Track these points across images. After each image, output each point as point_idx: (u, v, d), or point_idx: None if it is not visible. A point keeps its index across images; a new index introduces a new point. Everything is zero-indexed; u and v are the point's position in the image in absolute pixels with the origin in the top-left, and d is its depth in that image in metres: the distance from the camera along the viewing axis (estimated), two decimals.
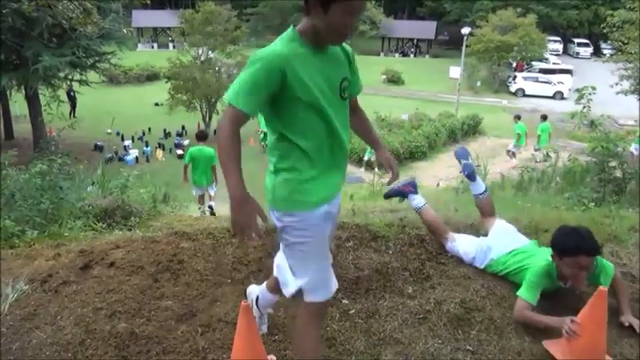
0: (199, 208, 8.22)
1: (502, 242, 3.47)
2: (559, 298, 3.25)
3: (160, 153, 20.95)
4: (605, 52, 34.68)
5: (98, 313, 3.04)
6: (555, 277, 3.07)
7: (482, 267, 3.50)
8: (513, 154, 16.59)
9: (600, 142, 6.15)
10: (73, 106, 24.48)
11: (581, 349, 2.66)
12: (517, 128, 16.74)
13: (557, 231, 3.07)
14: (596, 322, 2.65)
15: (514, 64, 38.05)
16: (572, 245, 2.89)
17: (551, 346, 2.81)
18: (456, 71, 30.15)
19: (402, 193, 3.88)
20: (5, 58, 17.78)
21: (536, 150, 16.15)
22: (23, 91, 19.33)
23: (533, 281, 3.01)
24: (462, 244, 3.65)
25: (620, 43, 20.82)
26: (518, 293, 3.05)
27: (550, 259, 3.05)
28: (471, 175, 3.84)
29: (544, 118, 16.61)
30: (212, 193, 9.20)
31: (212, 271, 3.52)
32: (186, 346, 2.77)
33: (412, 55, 49.70)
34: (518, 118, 17.07)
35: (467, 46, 30.27)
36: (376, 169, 14.33)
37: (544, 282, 3.04)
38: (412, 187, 3.87)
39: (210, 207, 8.36)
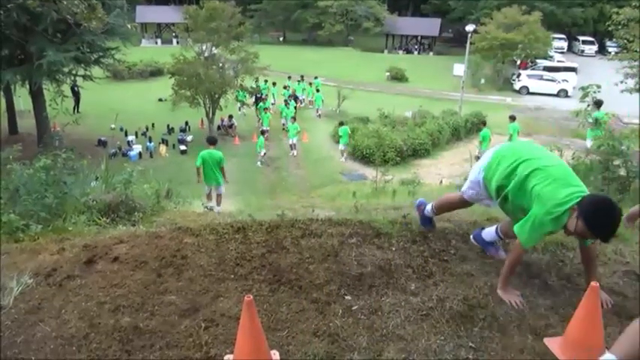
0: (203, 204, 8.31)
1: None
2: (557, 294, 3.26)
3: (163, 149, 20.99)
4: (610, 49, 34.58)
5: (102, 308, 3.06)
6: (563, 223, 2.94)
7: (481, 179, 3.40)
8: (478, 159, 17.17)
9: (605, 141, 6.14)
10: (77, 101, 24.51)
11: (580, 346, 2.67)
12: (481, 135, 17.74)
13: (595, 202, 2.85)
14: (592, 318, 2.67)
15: (518, 62, 37.93)
16: (603, 230, 2.81)
17: (551, 343, 2.82)
18: (459, 69, 30.10)
19: (424, 218, 3.99)
20: (10, 53, 17.86)
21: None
22: (27, 86, 19.39)
23: (536, 227, 2.95)
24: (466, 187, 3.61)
25: (625, 41, 20.72)
26: (520, 236, 3.03)
27: (567, 199, 2.88)
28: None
29: (512, 118, 17.66)
30: (221, 191, 9.89)
31: (215, 266, 3.53)
32: (189, 341, 2.78)
33: (416, 53, 49.55)
34: (483, 124, 18.29)
35: (471, 43, 30.17)
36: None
37: (551, 227, 2.95)
38: (421, 204, 3.99)
39: (211, 208, 8.44)
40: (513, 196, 3.16)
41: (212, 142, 9.97)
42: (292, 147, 20.81)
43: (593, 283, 2.68)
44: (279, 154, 21.27)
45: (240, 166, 18.88)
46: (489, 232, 3.72)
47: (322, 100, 26.31)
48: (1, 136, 19.75)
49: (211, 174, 9.58)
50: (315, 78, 29.18)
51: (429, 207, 3.92)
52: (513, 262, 3.21)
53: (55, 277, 3.39)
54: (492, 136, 23.20)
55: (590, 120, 10.25)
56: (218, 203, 9.67)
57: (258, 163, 19.95)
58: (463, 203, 3.72)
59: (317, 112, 26.28)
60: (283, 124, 23.39)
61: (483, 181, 3.40)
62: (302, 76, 29.43)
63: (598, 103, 12.66)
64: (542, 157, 3.14)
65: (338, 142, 20.61)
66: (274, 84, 27.31)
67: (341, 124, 20.53)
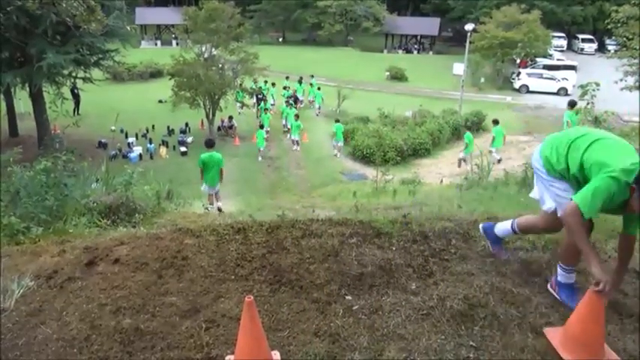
0: (203, 205, 8.42)
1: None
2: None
3: (163, 150, 20.99)
4: (609, 48, 34.61)
5: (103, 309, 3.06)
6: (624, 198, 2.73)
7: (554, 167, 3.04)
8: (464, 161, 17.56)
9: None
10: (77, 103, 24.52)
11: (580, 340, 2.69)
12: (466, 137, 17.99)
13: None
14: (594, 314, 2.68)
15: (518, 61, 37.91)
16: None
17: (550, 333, 2.84)
18: (459, 68, 30.09)
19: (494, 237, 3.70)
20: (10, 55, 17.84)
21: (490, 152, 16.99)
22: (27, 89, 19.39)
23: (599, 193, 2.68)
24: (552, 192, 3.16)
25: (625, 39, 20.73)
26: (575, 198, 2.74)
27: (633, 168, 2.68)
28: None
29: (496, 122, 17.67)
30: (217, 190, 10.19)
31: (216, 267, 3.53)
32: (190, 342, 2.79)
33: (415, 52, 49.56)
34: (467, 128, 18.69)
35: (470, 42, 30.16)
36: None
37: (609, 197, 2.70)
38: (488, 227, 3.73)
39: (219, 208, 9.10)
40: (574, 173, 2.96)
41: (210, 145, 10.17)
42: (295, 143, 21.10)
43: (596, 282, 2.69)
44: (279, 154, 21.26)
45: (240, 166, 18.89)
46: (503, 228, 3.57)
47: (322, 99, 26.37)
48: (1, 139, 19.76)
49: (214, 176, 9.88)
50: (312, 77, 29.27)
51: (505, 225, 3.59)
52: (580, 233, 2.78)
53: (56, 279, 3.39)
54: (490, 135, 23.32)
55: (567, 119, 10.28)
56: (218, 200, 10.11)
57: (259, 157, 20.12)
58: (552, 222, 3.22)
59: (317, 110, 26.38)
60: (284, 125, 23.38)
61: (547, 172, 3.12)
62: (301, 78, 29.43)
63: (572, 104, 13.02)
64: (597, 131, 3.07)
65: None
66: (273, 84, 27.34)
67: (336, 121, 21.05)
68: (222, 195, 10.57)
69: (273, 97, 27.13)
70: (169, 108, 23.06)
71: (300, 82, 28.88)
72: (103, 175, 6.91)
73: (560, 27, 46.04)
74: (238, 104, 24.74)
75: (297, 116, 21.32)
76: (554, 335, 2.82)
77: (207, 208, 8.14)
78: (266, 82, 26.49)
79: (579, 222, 2.76)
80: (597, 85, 6.95)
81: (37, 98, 19.41)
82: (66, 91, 20.31)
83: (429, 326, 2.92)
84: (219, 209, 8.92)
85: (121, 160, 19.06)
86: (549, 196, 3.16)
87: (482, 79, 35.22)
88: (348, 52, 47.46)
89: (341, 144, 20.62)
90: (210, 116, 23.11)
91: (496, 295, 3.22)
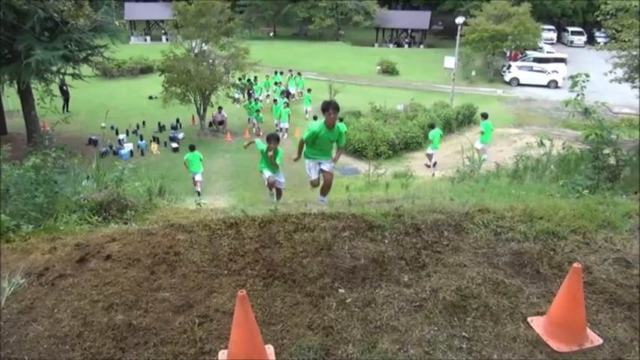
0: (195, 200, 8.55)
1: None
2: (549, 282, 3.28)
3: (154, 146, 20.85)
4: (599, 40, 34.72)
5: (95, 306, 3.05)
6: None
7: None
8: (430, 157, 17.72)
9: (594, 130, 6.15)
10: (66, 100, 24.30)
11: (564, 325, 2.75)
12: (430, 135, 17.80)
13: None
14: (574, 298, 2.74)
15: (508, 54, 37.99)
16: None
17: (535, 321, 2.91)
18: (450, 61, 30.03)
19: None
20: None
21: (478, 149, 16.22)
22: (16, 86, 19.17)
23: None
24: None
25: (614, 31, 20.80)
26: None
27: None
28: None
29: (484, 116, 16.66)
30: (198, 178, 14.60)
31: (208, 262, 3.53)
32: (183, 337, 2.78)
33: (406, 46, 49.50)
34: (431, 127, 17.97)
35: (461, 35, 30.15)
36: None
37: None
38: None
39: (198, 192, 12.99)
40: None
41: (192, 148, 14.63)
42: (284, 131, 21.79)
43: (575, 265, 2.75)
44: None
45: (233, 161, 18.83)
46: None
47: (303, 84, 28.38)
48: None
49: (197, 165, 14.47)
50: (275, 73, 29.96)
51: None
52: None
53: (47, 276, 3.37)
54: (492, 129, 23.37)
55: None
56: (197, 185, 14.43)
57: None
58: None
59: (298, 92, 28.19)
60: (277, 125, 23.31)
61: None
62: (276, 72, 29.65)
63: (484, 115, 13.37)
64: None
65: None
66: (267, 77, 27.46)
67: (308, 90, 25.47)
68: (213, 190, 13.09)
69: (262, 90, 27.08)
70: (160, 104, 22.86)
71: (291, 75, 28.97)
72: (94, 172, 6.86)
73: (549, 20, 46.20)
74: (236, 95, 24.67)
75: (286, 104, 23.61)
76: (538, 324, 2.87)
77: (198, 193, 8.58)
78: (256, 77, 26.46)
79: None
80: (587, 76, 6.96)
81: (25, 95, 19.19)
82: (55, 87, 20.09)
83: (422, 318, 2.94)
84: (198, 193, 12.55)
85: (111, 156, 18.90)
86: None
87: (474, 72, 35.27)
88: (339, 46, 47.38)
89: (309, 108, 24.11)
90: (202, 112, 23.00)
91: (488, 286, 3.24)
